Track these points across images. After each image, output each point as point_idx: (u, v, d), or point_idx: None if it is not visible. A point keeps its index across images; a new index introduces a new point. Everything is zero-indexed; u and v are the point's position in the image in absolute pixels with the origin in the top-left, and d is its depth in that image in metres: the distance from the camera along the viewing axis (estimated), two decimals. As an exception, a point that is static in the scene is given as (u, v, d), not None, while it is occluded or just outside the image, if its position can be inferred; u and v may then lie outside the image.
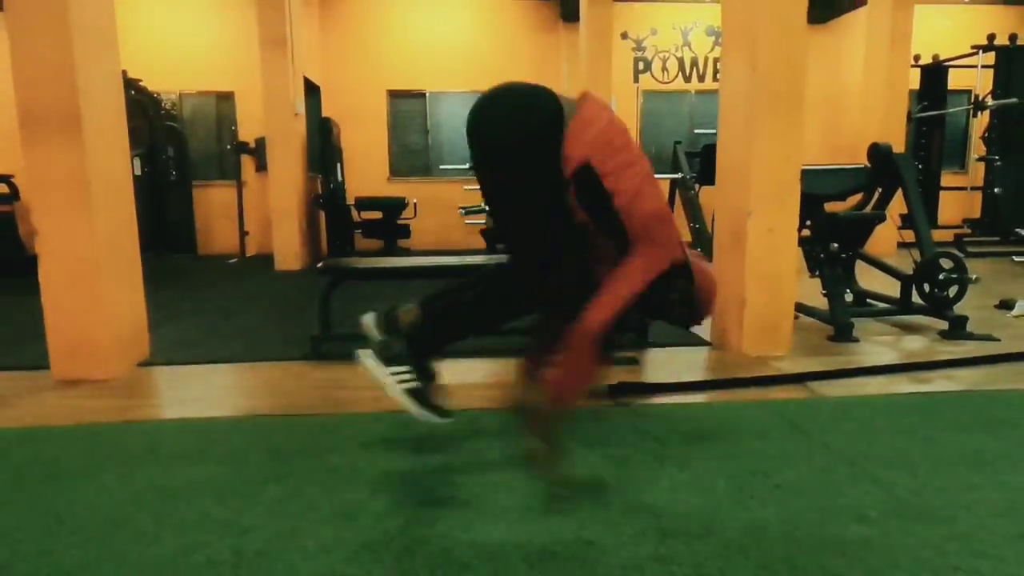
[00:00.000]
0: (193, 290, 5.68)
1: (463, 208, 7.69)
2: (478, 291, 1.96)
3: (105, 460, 2.11)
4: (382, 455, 2.13)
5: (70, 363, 2.99)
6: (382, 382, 1.81)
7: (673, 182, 8.09)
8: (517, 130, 1.76)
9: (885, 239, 6.28)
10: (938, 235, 6.60)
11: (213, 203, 8.54)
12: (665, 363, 3.26)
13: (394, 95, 8.92)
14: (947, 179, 8.19)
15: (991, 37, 7.35)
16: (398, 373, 1.80)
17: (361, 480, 1.95)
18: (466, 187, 8.41)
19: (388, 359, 1.82)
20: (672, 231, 1.81)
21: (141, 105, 7.48)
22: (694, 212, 7.77)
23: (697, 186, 7.67)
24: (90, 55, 2.96)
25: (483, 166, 1.88)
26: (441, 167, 8.93)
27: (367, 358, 1.84)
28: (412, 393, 1.81)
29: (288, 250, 7.04)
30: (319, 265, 3.42)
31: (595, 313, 1.70)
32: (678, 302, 1.88)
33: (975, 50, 7.51)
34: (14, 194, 7.67)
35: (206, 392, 2.88)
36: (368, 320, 1.98)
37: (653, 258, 1.75)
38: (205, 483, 1.93)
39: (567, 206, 1.75)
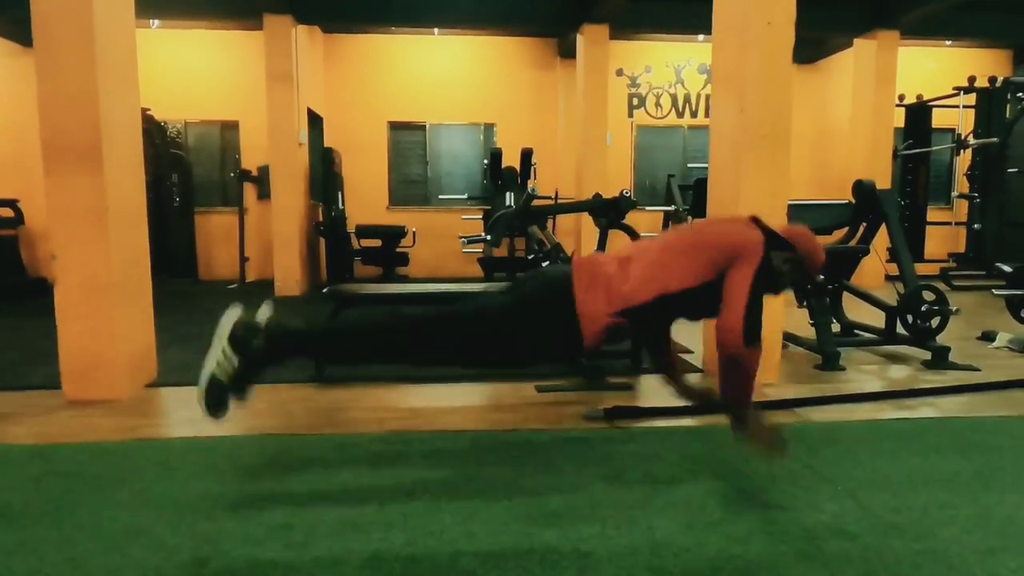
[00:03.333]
0: (196, 314, 5.77)
1: (464, 237, 7.86)
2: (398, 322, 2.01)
3: (120, 476, 2.20)
4: (387, 472, 2.22)
5: (82, 384, 3.08)
6: (212, 350, 1.78)
7: (666, 214, 8.28)
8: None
9: (872, 271, 6.44)
10: (924, 268, 6.77)
11: (215, 229, 8.67)
12: (658, 388, 3.36)
13: (395, 126, 9.14)
14: (933, 214, 8.42)
15: (972, 79, 7.64)
16: (226, 356, 1.77)
17: (368, 495, 2.04)
18: (464, 216, 8.58)
19: (236, 340, 1.78)
20: (736, 235, 2.01)
21: (147, 133, 7.64)
22: (687, 243, 7.96)
23: (690, 218, 7.86)
24: (113, 89, 3.11)
25: None
26: (440, 197, 9.11)
27: (228, 322, 1.81)
28: (211, 381, 1.78)
29: (289, 276, 7.15)
30: (324, 290, 3.53)
31: (727, 315, 1.88)
32: (790, 271, 2.06)
33: (957, 91, 7.79)
34: (19, 218, 7.80)
35: (214, 413, 2.97)
36: (264, 308, 2.07)
37: (744, 264, 1.93)
38: (217, 498, 2.02)
39: None
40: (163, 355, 3.63)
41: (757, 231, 2.02)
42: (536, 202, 4.56)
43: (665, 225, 8.69)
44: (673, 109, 9.37)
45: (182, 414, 2.98)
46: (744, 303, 1.87)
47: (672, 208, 8.05)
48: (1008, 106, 7.34)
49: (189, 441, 2.57)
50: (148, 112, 7.74)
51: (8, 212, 7.70)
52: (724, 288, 1.92)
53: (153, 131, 7.79)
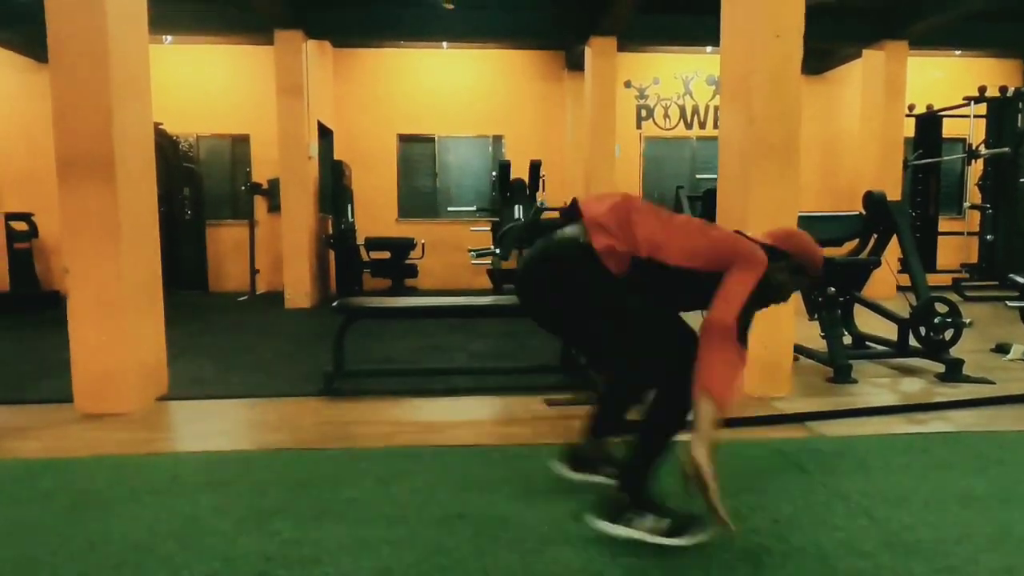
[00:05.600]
0: (206, 326, 5.81)
1: (473, 251, 7.87)
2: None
3: (131, 490, 2.20)
4: (396, 488, 2.21)
5: (94, 397, 3.10)
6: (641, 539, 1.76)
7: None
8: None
9: (884, 283, 6.38)
10: (937, 280, 6.71)
11: (225, 242, 8.74)
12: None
13: (404, 139, 9.20)
14: (944, 225, 8.34)
15: (982, 89, 7.60)
16: (642, 527, 1.76)
17: (378, 511, 2.03)
18: (472, 228, 8.59)
19: (616, 515, 1.79)
20: (745, 243, 1.91)
21: (160, 147, 7.73)
22: (696, 255, 7.92)
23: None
24: (126, 104, 3.15)
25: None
26: (449, 209, 9.14)
27: (604, 525, 1.80)
28: (667, 535, 1.76)
29: (299, 289, 7.19)
30: (334, 304, 3.54)
31: (722, 308, 1.75)
32: (789, 279, 2.00)
33: (967, 101, 7.76)
34: (33, 231, 7.89)
35: (224, 426, 2.98)
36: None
37: (748, 270, 1.83)
38: (227, 513, 2.02)
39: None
40: (174, 368, 3.64)
41: (761, 250, 1.91)
42: (545, 214, 4.56)
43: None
44: (681, 120, 9.38)
45: (192, 428, 2.99)
46: (742, 301, 1.76)
47: (681, 219, 8.01)
48: (1019, 116, 7.29)
49: (199, 455, 2.57)
50: (160, 126, 7.82)
51: (22, 225, 7.79)
52: (722, 286, 1.79)
53: (165, 145, 7.87)
